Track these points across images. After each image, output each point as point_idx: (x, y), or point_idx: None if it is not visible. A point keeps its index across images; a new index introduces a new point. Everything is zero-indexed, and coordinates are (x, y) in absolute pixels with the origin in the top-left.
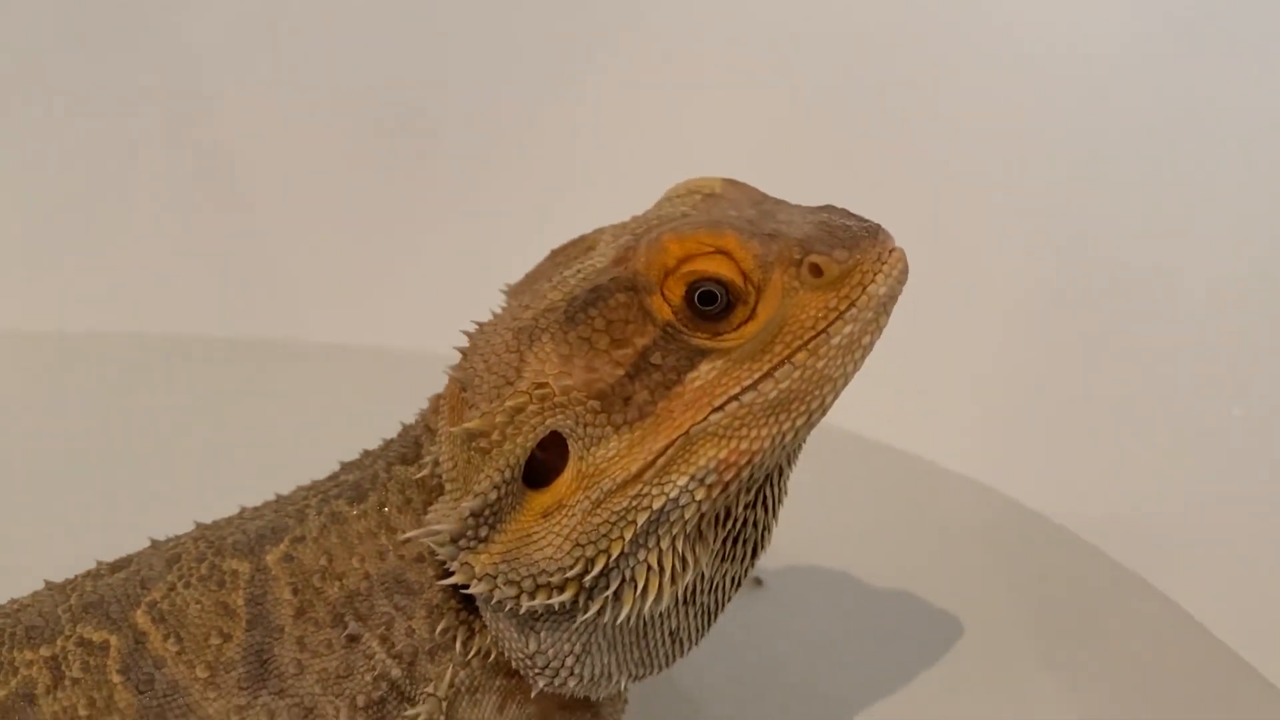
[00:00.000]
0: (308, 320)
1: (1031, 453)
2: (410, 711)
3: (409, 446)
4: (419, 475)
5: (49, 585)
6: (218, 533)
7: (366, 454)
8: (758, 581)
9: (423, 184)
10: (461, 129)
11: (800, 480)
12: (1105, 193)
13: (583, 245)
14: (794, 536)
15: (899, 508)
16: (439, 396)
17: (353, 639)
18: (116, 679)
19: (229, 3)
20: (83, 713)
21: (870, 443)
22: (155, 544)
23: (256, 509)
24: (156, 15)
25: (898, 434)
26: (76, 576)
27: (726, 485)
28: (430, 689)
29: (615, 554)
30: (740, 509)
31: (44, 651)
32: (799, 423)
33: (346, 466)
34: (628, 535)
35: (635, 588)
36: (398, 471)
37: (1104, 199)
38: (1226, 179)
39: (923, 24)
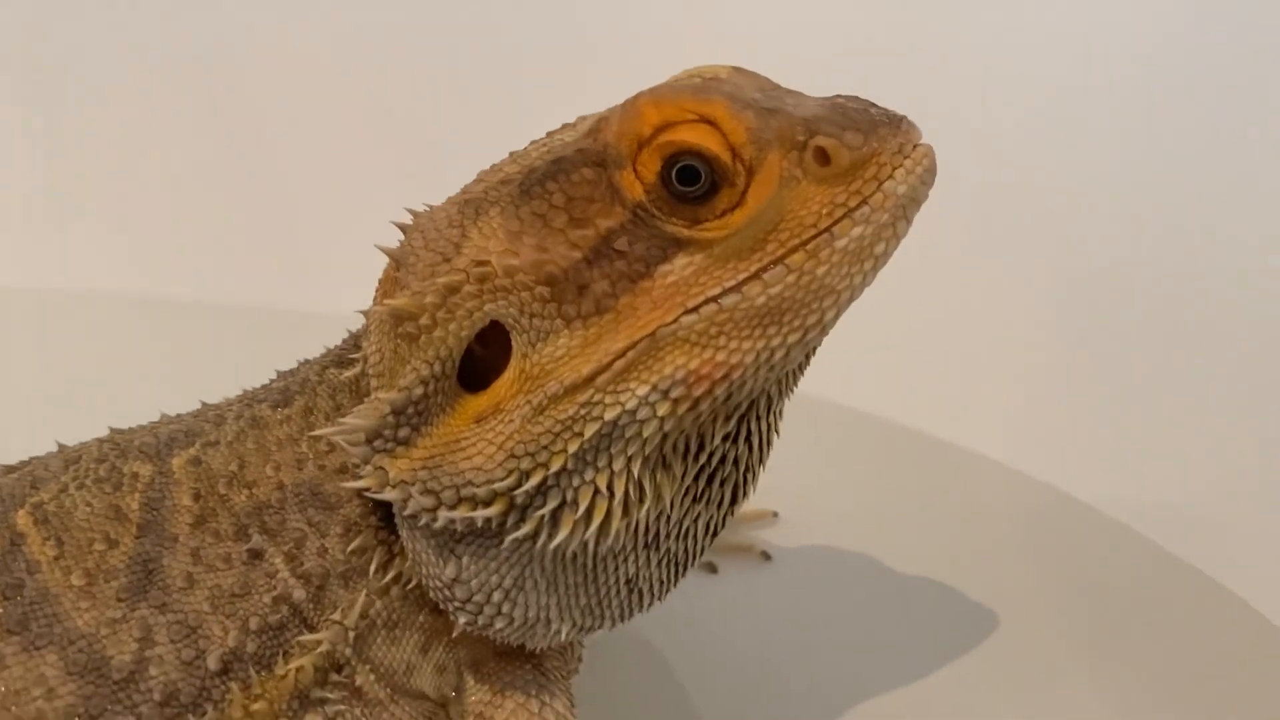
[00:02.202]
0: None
1: (1069, 437)
2: (308, 637)
3: (346, 349)
4: (350, 374)
5: None
6: (127, 435)
7: (304, 361)
8: (765, 556)
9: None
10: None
11: (822, 463)
12: (1151, 174)
13: (562, 127)
14: (813, 518)
15: (927, 492)
16: (370, 310)
17: (255, 554)
18: None
19: None
20: None
21: (899, 427)
22: (62, 448)
23: (179, 415)
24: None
25: (928, 418)
26: None
27: (696, 403)
28: (337, 616)
29: (555, 469)
30: (716, 440)
31: None
32: (790, 339)
33: (282, 374)
34: (571, 448)
35: (576, 510)
36: (331, 374)
37: (1150, 181)
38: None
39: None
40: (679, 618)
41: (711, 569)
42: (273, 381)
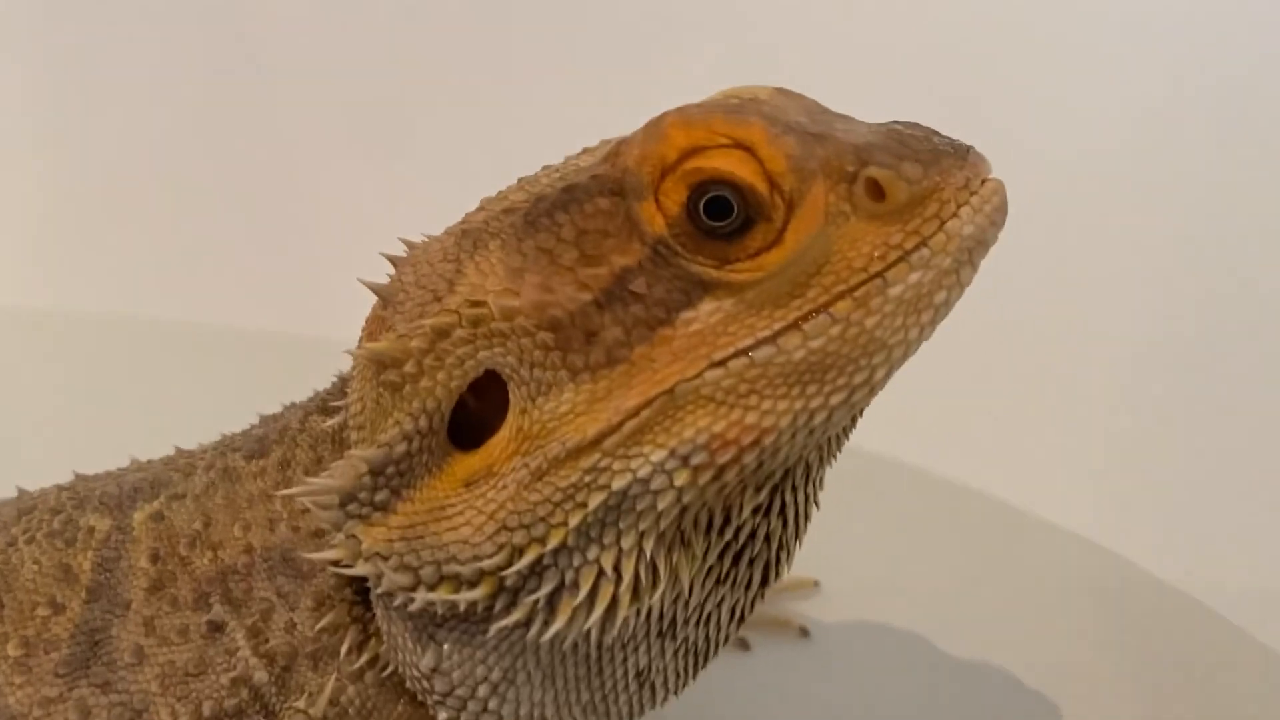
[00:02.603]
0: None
1: (1142, 507)
2: None
3: (335, 393)
4: (333, 424)
5: None
6: (90, 483)
7: (289, 406)
8: (804, 632)
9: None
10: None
11: (871, 526)
12: (1239, 235)
13: (583, 151)
14: (859, 590)
15: (986, 561)
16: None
17: (215, 627)
18: None
19: None
20: None
21: (956, 486)
22: (21, 493)
23: (149, 461)
24: None
25: (990, 479)
26: None
27: (721, 471)
28: (303, 703)
29: (552, 545)
30: (745, 513)
31: None
32: (833, 401)
33: (264, 419)
34: (573, 522)
35: (577, 595)
36: (313, 423)
37: (1238, 241)
38: None
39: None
40: (703, 703)
41: (743, 646)
42: (253, 427)
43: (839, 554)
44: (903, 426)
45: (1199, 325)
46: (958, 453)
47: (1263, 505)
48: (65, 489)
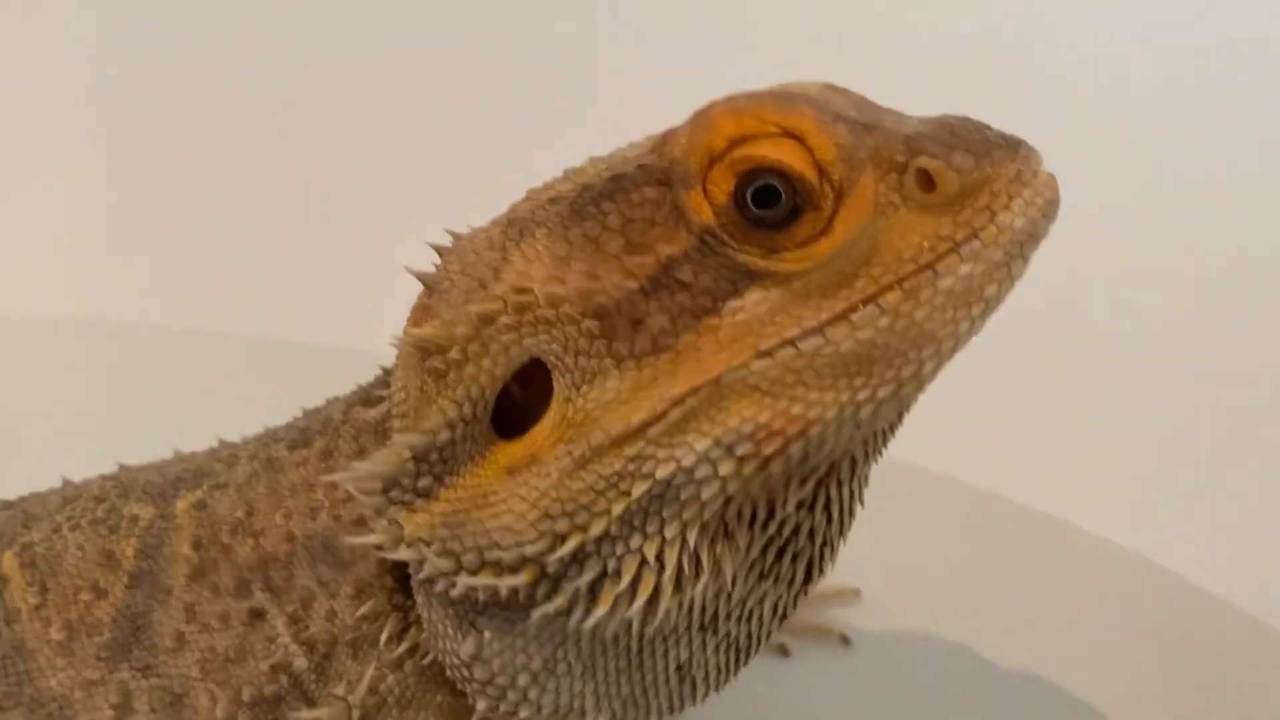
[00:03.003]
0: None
1: (1190, 519)
2: (306, 714)
3: (378, 384)
4: (375, 414)
5: None
6: (134, 473)
7: (334, 398)
8: (844, 639)
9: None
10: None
11: (913, 536)
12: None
13: (629, 146)
14: (900, 599)
15: (1030, 573)
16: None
17: (255, 614)
18: None
19: None
20: None
21: (1000, 498)
22: (66, 483)
23: (193, 452)
24: None
25: (1034, 490)
26: None
27: (766, 462)
28: (341, 690)
29: (595, 533)
30: (789, 507)
31: None
32: (881, 393)
33: (307, 411)
34: (616, 510)
35: (619, 583)
36: (356, 414)
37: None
38: None
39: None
40: (742, 709)
41: (783, 652)
42: (295, 420)
43: (880, 563)
44: (943, 437)
45: (1239, 329)
46: (996, 463)
47: None
48: (109, 478)
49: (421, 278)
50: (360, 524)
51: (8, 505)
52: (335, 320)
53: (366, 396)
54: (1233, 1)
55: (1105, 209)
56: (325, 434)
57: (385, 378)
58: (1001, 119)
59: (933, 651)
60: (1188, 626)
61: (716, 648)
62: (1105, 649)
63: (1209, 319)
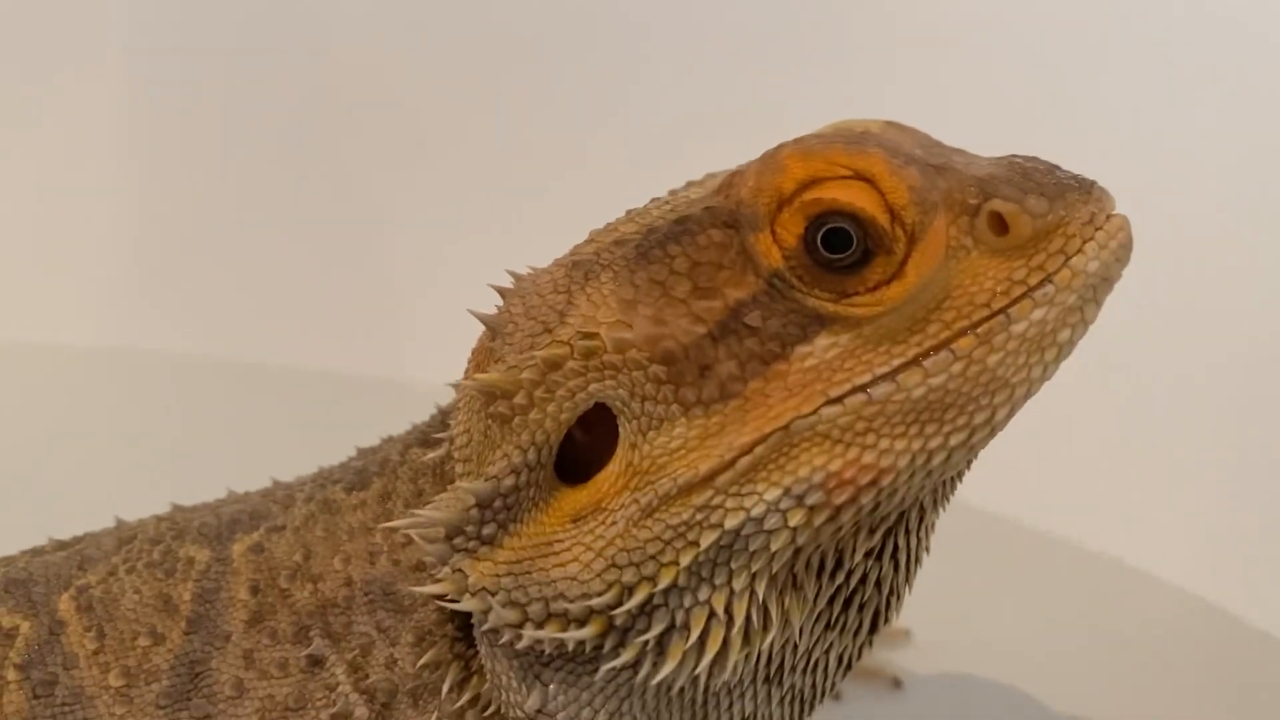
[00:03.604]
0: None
1: (1249, 559)
2: None
3: (434, 425)
4: (434, 456)
5: None
6: (189, 514)
7: (389, 438)
8: (896, 682)
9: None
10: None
11: (964, 577)
12: None
13: (688, 184)
14: (952, 641)
15: (1083, 614)
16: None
17: (315, 662)
18: (12, 676)
19: None
20: None
21: (1053, 538)
22: (120, 524)
23: (247, 493)
24: None
25: (1089, 530)
26: (20, 553)
27: (837, 512)
28: None
29: (663, 584)
30: (858, 557)
31: None
32: (953, 441)
33: (362, 451)
34: (684, 561)
35: (687, 639)
36: (414, 455)
37: None
38: None
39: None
40: None
41: (835, 696)
42: (351, 460)
43: (931, 604)
44: (993, 474)
45: None
46: (1050, 503)
47: None
48: (164, 519)
49: (484, 320)
50: (420, 569)
51: (63, 545)
52: (377, 350)
53: (424, 438)
54: None
55: (1170, 245)
56: (383, 475)
57: (442, 418)
58: (1067, 156)
59: (983, 693)
60: (1240, 664)
61: (781, 700)
62: (1158, 689)
63: (1269, 360)
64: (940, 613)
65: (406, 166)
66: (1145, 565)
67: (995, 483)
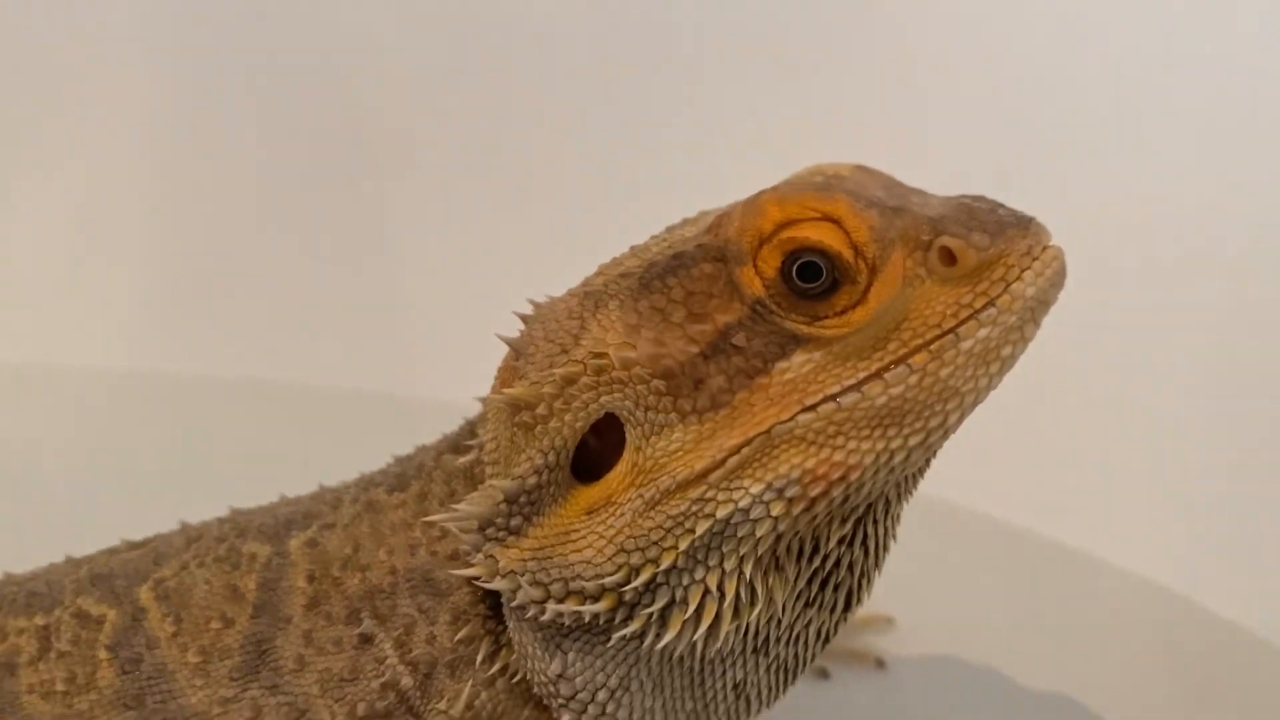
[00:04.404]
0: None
1: (1212, 549)
2: None
3: (463, 434)
4: (465, 461)
5: (69, 559)
6: (247, 516)
7: (421, 447)
8: (879, 663)
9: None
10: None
11: (942, 568)
12: None
13: (682, 222)
14: (930, 626)
15: (1053, 602)
16: (488, 397)
17: (365, 639)
18: (103, 655)
19: None
20: (59, 687)
21: (1026, 532)
22: (185, 526)
23: (298, 497)
24: None
25: (1057, 524)
26: (97, 552)
27: (812, 504)
28: (443, 705)
29: (665, 565)
30: (832, 543)
31: (39, 620)
32: (911, 442)
33: (399, 459)
34: (682, 545)
35: (686, 611)
36: (446, 460)
37: None
38: None
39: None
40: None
41: (824, 675)
42: (389, 466)
43: (912, 594)
44: (966, 473)
45: (1264, 362)
46: (1025, 501)
47: None
48: (225, 521)
49: (509, 342)
50: (454, 558)
51: (135, 545)
52: (394, 369)
53: (455, 445)
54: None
55: (1123, 241)
56: (419, 479)
57: (470, 429)
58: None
59: (960, 673)
60: (1201, 649)
61: (768, 669)
62: (1123, 669)
63: (1228, 351)
64: (920, 601)
65: (424, 194)
66: (1113, 558)
67: (972, 480)
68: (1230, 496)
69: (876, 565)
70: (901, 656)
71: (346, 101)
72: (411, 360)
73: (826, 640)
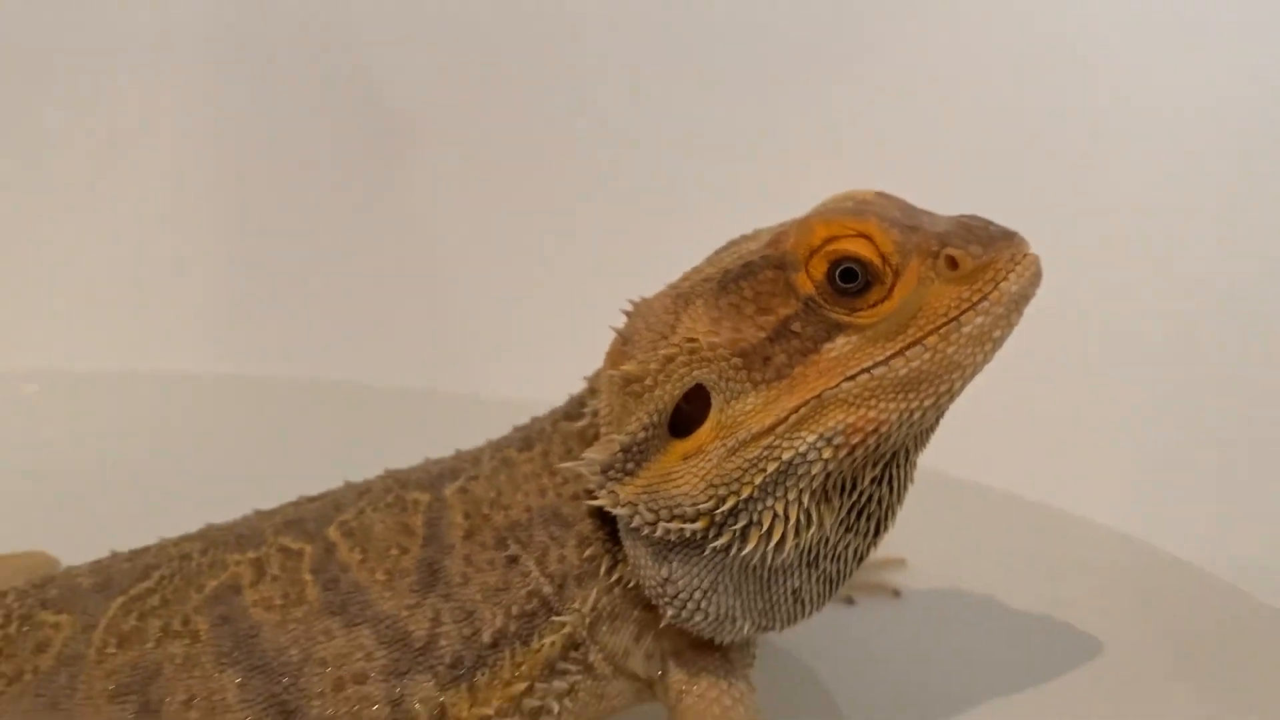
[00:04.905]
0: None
1: (1178, 500)
2: (556, 619)
3: (573, 407)
4: (579, 425)
5: (257, 511)
6: (403, 474)
7: (535, 418)
8: (895, 593)
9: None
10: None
11: (940, 531)
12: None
13: (743, 238)
14: (936, 570)
15: (1035, 556)
16: (597, 373)
17: (512, 560)
18: (308, 577)
19: None
20: (278, 601)
21: (1014, 497)
22: (349, 484)
23: (438, 459)
24: None
25: (1044, 488)
26: (282, 505)
27: (853, 449)
28: (575, 605)
29: (744, 495)
30: (866, 482)
31: (250, 554)
32: (926, 403)
33: (518, 428)
34: (757, 481)
35: (760, 529)
36: (562, 426)
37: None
38: None
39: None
40: (821, 639)
41: (850, 601)
42: (514, 431)
43: (918, 546)
44: (965, 448)
45: (1227, 321)
46: (1008, 466)
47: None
48: (387, 477)
49: (619, 331)
50: (575, 499)
51: (312, 499)
52: (451, 368)
53: (567, 414)
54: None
55: (1094, 245)
56: (541, 440)
57: (579, 402)
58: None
59: (961, 601)
60: (1165, 591)
61: (818, 579)
62: (1090, 601)
63: (1188, 315)
64: (925, 552)
65: (471, 200)
66: (1086, 513)
67: (968, 455)
68: (1192, 451)
69: (899, 500)
70: (913, 589)
71: (404, 111)
72: (469, 361)
73: (861, 559)
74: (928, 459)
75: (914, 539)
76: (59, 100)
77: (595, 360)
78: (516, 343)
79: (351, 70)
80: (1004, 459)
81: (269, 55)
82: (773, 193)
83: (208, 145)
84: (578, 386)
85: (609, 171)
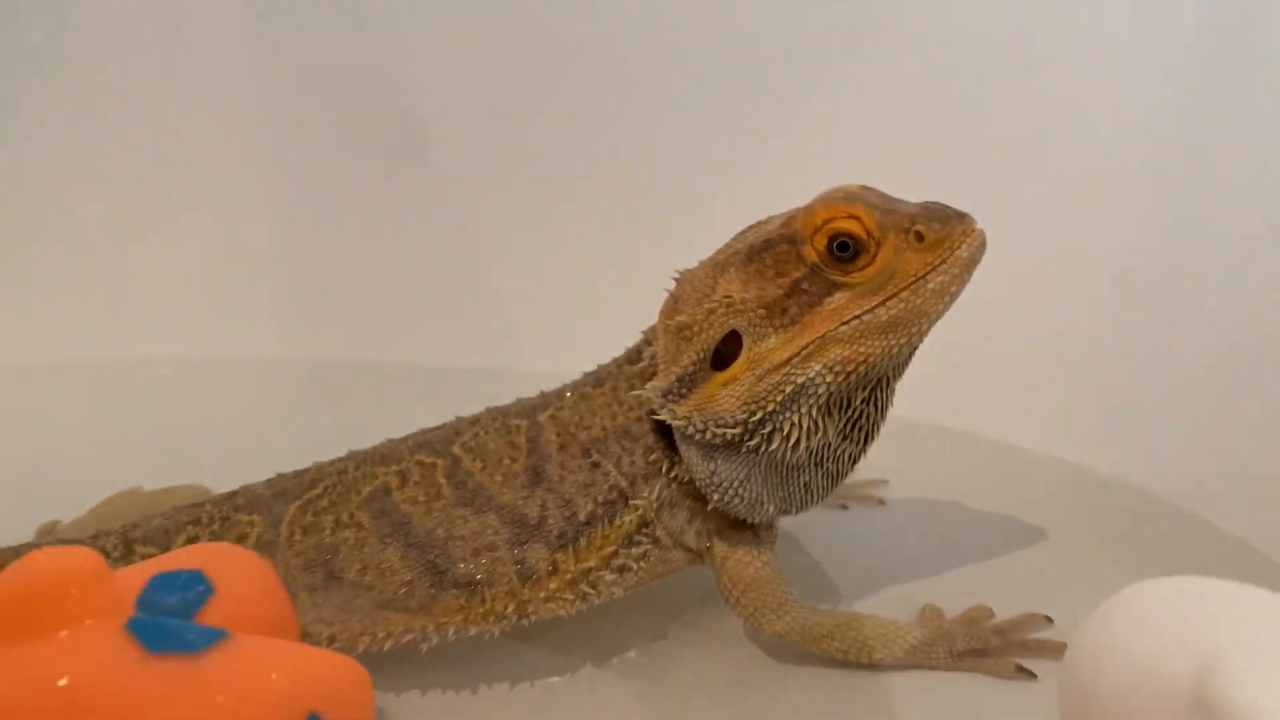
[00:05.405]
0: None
1: (1123, 427)
2: (632, 503)
3: (633, 354)
4: (639, 367)
5: (388, 440)
6: (504, 407)
7: (601, 364)
8: (880, 501)
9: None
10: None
11: (925, 466)
12: (1205, 162)
13: (761, 221)
14: (914, 486)
15: (991, 478)
16: (652, 327)
17: (595, 465)
18: (442, 480)
19: None
20: (421, 499)
21: (971, 435)
22: (459, 417)
23: (528, 397)
24: None
25: (992, 424)
26: (407, 436)
27: (848, 375)
28: (645, 493)
29: (769, 410)
30: (858, 401)
31: (394, 468)
32: (902, 341)
33: (589, 372)
34: (778, 399)
35: (781, 434)
36: (625, 369)
37: (1204, 168)
38: None
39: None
40: (819, 534)
41: (843, 507)
42: (588, 374)
43: (897, 470)
44: (927, 394)
45: (1161, 278)
46: (969, 408)
47: (1237, 410)
48: (487, 412)
49: (670, 293)
50: (640, 420)
51: (428, 431)
52: (487, 345)
53: (629, 359)
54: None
55: (1055, 194)
56: (610, 379)
57: (636, 350)
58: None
59: (934, 511)
60: (1111, 509)
61: (823, 476)
62: (1039, 513)
63: (1133, 255)
64: (902, 476)
65: (513, 204)
66: (1033, 445)
67: (938, 402)
68: (1138, 383)
69: (883, 417)
70: (895, 499)
71: (439, 104)
72: (501, 338)
73: (855, 462)
74: (903, 410)
75: (894, 472)
76: (138, 122)
77: (608, 336)
78: (546, 322)
79: (385, 83)
80: (968, 405)
81: (312, 73)
82: (772, 192)
83: (261, 160)
84: (595, 359)
85: (617, 174)
